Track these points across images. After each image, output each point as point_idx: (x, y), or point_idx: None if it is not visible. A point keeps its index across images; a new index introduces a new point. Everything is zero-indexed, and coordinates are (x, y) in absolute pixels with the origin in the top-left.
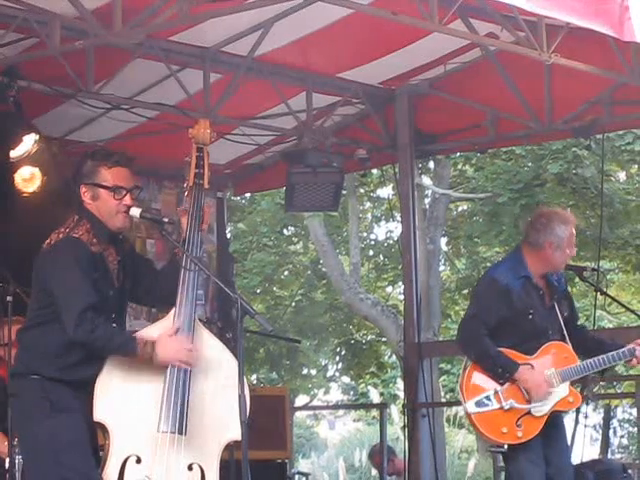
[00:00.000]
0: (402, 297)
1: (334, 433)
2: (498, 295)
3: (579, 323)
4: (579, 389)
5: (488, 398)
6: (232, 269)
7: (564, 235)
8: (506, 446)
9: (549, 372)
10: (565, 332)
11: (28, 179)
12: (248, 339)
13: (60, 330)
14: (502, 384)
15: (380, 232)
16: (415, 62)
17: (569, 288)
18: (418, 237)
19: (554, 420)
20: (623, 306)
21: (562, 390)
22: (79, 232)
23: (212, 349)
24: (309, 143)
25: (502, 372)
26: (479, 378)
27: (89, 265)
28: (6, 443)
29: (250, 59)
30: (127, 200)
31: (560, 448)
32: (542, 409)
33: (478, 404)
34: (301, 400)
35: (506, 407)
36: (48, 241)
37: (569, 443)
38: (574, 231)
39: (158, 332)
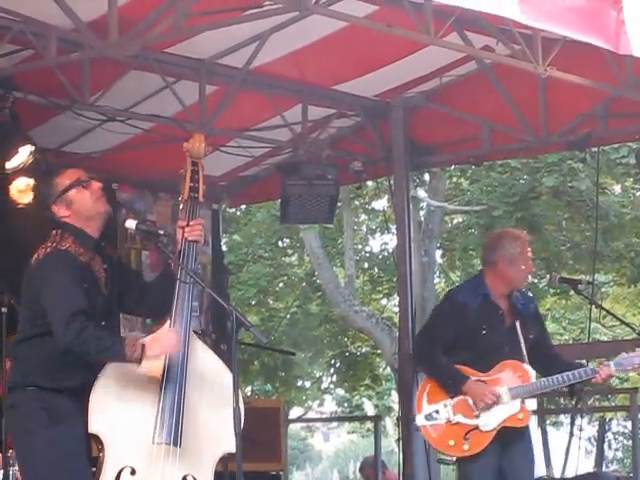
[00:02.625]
0: (397, 309)
1: (328, 445)
2: (453, 311)
3: (552, 350)
4: (574, 402)
5: (437, 412)
6: (227, 281)
7: (515, 250)
8: (455, 458)
9: (500, 389)
10: (524, 352)
11: (23, 190)
12: (243, 351)
13: (52, 341)
14: (452, 397)
15: (375, 244)
16: (411, 75)
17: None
18: (413, 249)
19: (518, 435)
20: (618, 319)
21: (512, 407)
22: (66, 244)
23: (206, 361)
24: (304, 155)
25: (452, 384)
26: (431, 392)
27: (78, 275)
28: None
29: (245, 71)
30: (95, 186)
31: (521, 463)
32: (489, 424)
33: (427, 417)
34: (296, 412)
35: (453, 421)
36: (36, 256)
37: (565, 456)
38: (528, 248)
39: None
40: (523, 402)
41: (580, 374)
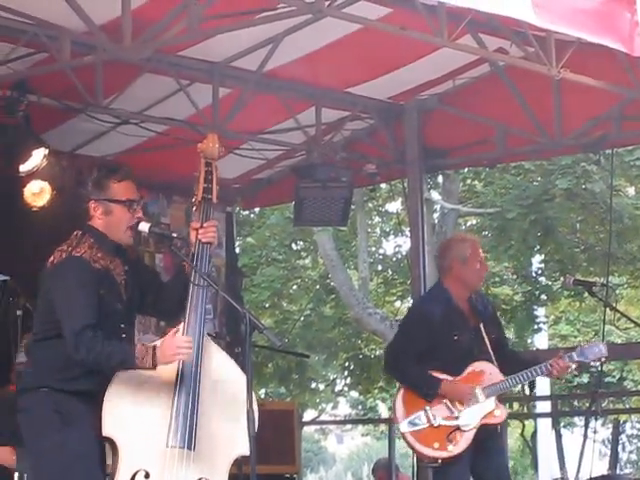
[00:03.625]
0: None
1: (342, 447)
2: (419, 321)
3: (509, 347)
4: (588, 404)
5: (419, 418)
6: (241, 284)
7: (466, 252)
8: (440, 461)
9: (475, 389)
10: (491, 352)
11: (37, 193)
12: (257, 353)
13: (64, 344)
14: (430, 402)
15: (389, 247)
16: (424, 77)
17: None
18: (427, 252)
19: (489, 436)
20: (632, 321)
21: (488, 405)
22: (81, 250)
23: (220, 364)
24: (318, 158)
25: (427, 390)
26: (409, 399)
27: (91, 283)
28: (14, 457)
29: (259, 74)
30: (139, 212)
31: (496, 463)
32: (470, 423)
33: (411, 423)
34: (309, 414)
35: (435, 424)
36: (51, 259)
37: (579, 458)
38: (479, 249)
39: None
40: (497, 400)
41: (542, 369)
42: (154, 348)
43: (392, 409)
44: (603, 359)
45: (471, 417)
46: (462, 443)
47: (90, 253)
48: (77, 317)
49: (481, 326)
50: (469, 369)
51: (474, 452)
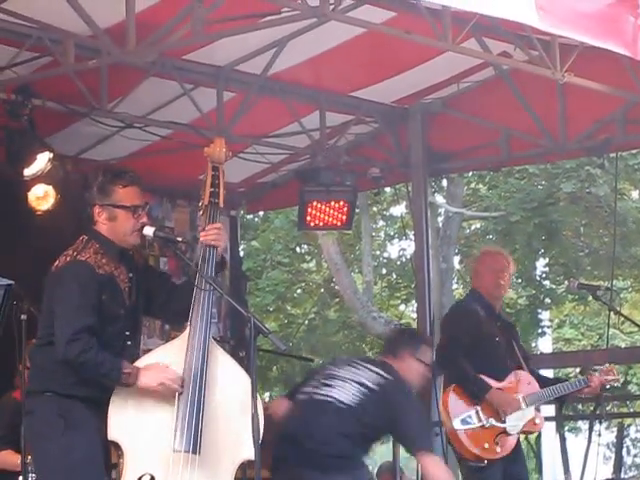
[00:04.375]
0: (415, 315)
1: None
2: (466, 316)
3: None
4: (592, 408)
5: (470, 417)
6: (245, 287)
7: (496, 265)
8: (486, 462)
9: (517, 396)
10: (523, 363)
11: (42, 197)
12: (261, 357)
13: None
14: (477, 404)
15: (393, 250)
16: (428, 81)
17: None
18: (431, 255)
19: (517, 444)
20: (636, 325)
21: (529, 412)
22: (86, 255)
23: (226, 368)
24: (322, 161)
25: (477, 391)
26: (458, 399)
27: (93, 288)
28: (19, 461)
29: (263, 78)
30: (144, 218)
31: (521, 468)
32: (516, 426)
33: (463, 422)
34: None
35: (487, 425)
36: (56, 263)
37: (583, 462)
38: (508, 264)
39: (171, 352)
40: (537, 408)
41: (577, 384)
42: (139, 369)
43: (442, 406)
44: (615, 384)
45: (516, 422)
46: (507, 446)
47: (95, 258)
48: (72, 321)
49: (512, 339)
50: (511, 377)
51: (506, 458)
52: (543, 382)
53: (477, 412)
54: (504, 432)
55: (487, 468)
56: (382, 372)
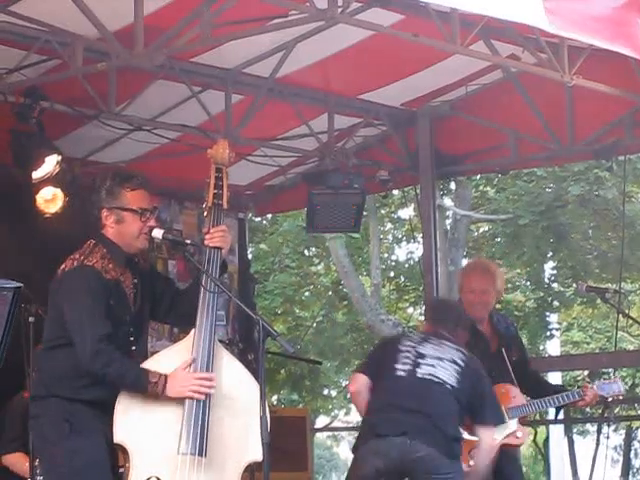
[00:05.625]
0: (423, 318)
1: None
2: None
3: (531, 369)
4: (600, 411)
5: None
6: (253, 290)
7: (459, 280)
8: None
9: None
10: (513, 376)
11: (50, 200)
12: (269, 360)
13: (74, 353)
14: None
15: (401, 253)
16: (436, 84)
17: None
18: (439, 258)
19: (508, 456)
20: None
21: (511, 426)
22: (93, 259)
23: (233, 370)
24: (330, 164)
25: None
26: None
27: (102, 293)
28: (27, 464)
29: (271, 80)
30: (151, 221)
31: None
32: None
33: None
34: (322, 421)
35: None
36: (63, 267)
37: (591, 465)
38: (471, 277)
39: (176, 355)
40: (519, 422)
41: (569, 396)
42: (166, 377)
43: None
44: (620, 397)
45: (494, 436)
46: None
47: (102, 263)
48: (94, 326)
49: (503, 350)
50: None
51: (493, 474)
52: (538, 391)
53: None
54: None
55: None
56: (460, 348)
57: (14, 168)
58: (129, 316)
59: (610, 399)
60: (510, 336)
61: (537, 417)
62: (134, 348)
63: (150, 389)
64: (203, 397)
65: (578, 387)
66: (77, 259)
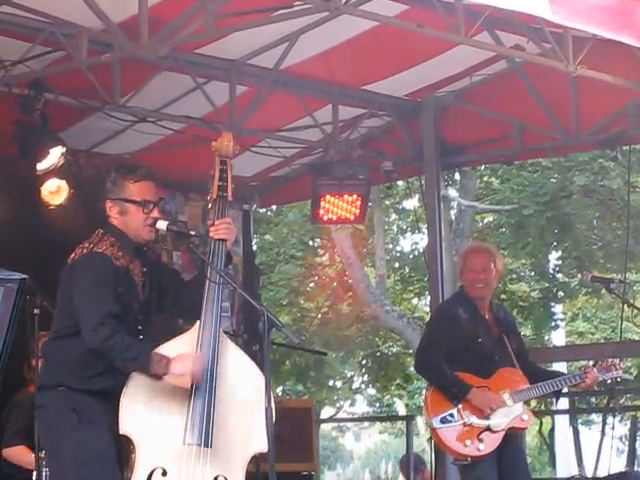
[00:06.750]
0: (428, 309)
1: (360, 445)
2: (447, 321)
3: (529, 360)
4: (605, 401)
5: (452, 415)
6: (258, 281)
7: (459, 263)
8: (469, 459)
9: (504, 393)
10: (515, 360)
11: (54, 192)
12: (274, 351)
13: (83, 342)
14: (456, 404)
15: (406, 244)
16: (441, 74)
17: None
18: (444, 249)
19: (511, 441)
20: None
21: (517, 409)
22: (102, 247)
23: (237, 361)
24: (335, 155)
25: (457, 392)
26: (439, 397)
27: (112, 279)
28: (32, 455)
29: (276, 71)
30: (155, 213)
31: (518, 468)
32: (501, 424)
33: (443, 420)
34: (327, 412)
35: (468, 422)
36: (73, 256)
37: (596, 455)
38: (471, 259)
39: (180, 346)
40: (525, 405)
41: (571, 379)
42: (168, 360)
43: (424, 405)
44: (619, 379)
45: (501, 419)
46: (491, 444)
47: (111, 250)
48: (97, 306)
49: (504, 335)
50: (496, 375)
51: (499, 454)
52: (538, 377)
53: (458, 410)
54: (488, 429)
55: (476, 465)
56: None
57: (19, 160)
58: (137, 304)
59: (609, 381)
60: (509, 325)
61: (542, 407)
62: (141, 337)
63: (154, 367)
64: (209, 355)
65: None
66: (87, 247)
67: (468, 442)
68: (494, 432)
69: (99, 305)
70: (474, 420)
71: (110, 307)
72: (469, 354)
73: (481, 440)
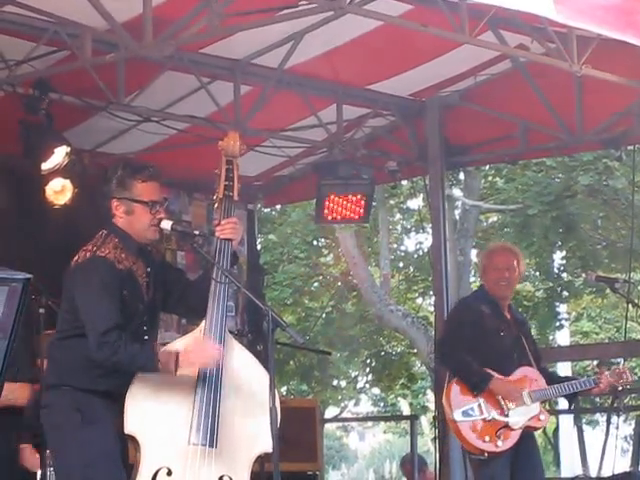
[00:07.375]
0: (432, 309)
1: (364, 444)
2: (469, 312)
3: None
4: (610, 401)
5: (472, 409)
6: (262, 281)
7: (482, 261)
8: (486, 454)
9: (523, 391)
10: (532, 360)
11: (59, 191)
12: (279, 351)
13: (87, 342)
14: (476, 395)
15: (410, 243)
16: (445, 74)
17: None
18: (448, 248)
19: (526, 441)
20: None
21: (534, 408)
22: (106, 250)
23: (242, 361)
24: (339, 155)
25: (479, 382)
26: (461, 390)
27: (115, 284)
28: (37, 456)
29: (280, 71)
30: (161, 213)
31: (532, 466)
32: (519, 422)
33: (464, 413)
34: (331, 412)
35: (488, 418)
36: (76, 258)
37: (601, 455)
38: (496, 257)
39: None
40: (541, 405)
41: (586, 383)
42: (177, 354)
43: (445, 398)
44: (628, 386)
45: (519, 417)
46: (509, 441)
47: (115, 253)
48: (102, 318)
49: (522, 336)
50: (517, 372)
51: (515, 453)
52: (552, 380)
53: (479, 404)
54: (507, 426)
55: (491, 461)
56: None
57: (23, 159)
58: (142, 305)
59: (620, 388)
60: (526, 328)
61: (547, 407)
62: (147, 337)
63: (162, 368)
64: (215, 366)
65: (588, 375)
66: (90, 250)
67: (487, 438)
68: (512, 430)
69: (100, 319)
70: (494, 415)
71: (111, 321)
72: (490, 348)
73: (499, 437)
